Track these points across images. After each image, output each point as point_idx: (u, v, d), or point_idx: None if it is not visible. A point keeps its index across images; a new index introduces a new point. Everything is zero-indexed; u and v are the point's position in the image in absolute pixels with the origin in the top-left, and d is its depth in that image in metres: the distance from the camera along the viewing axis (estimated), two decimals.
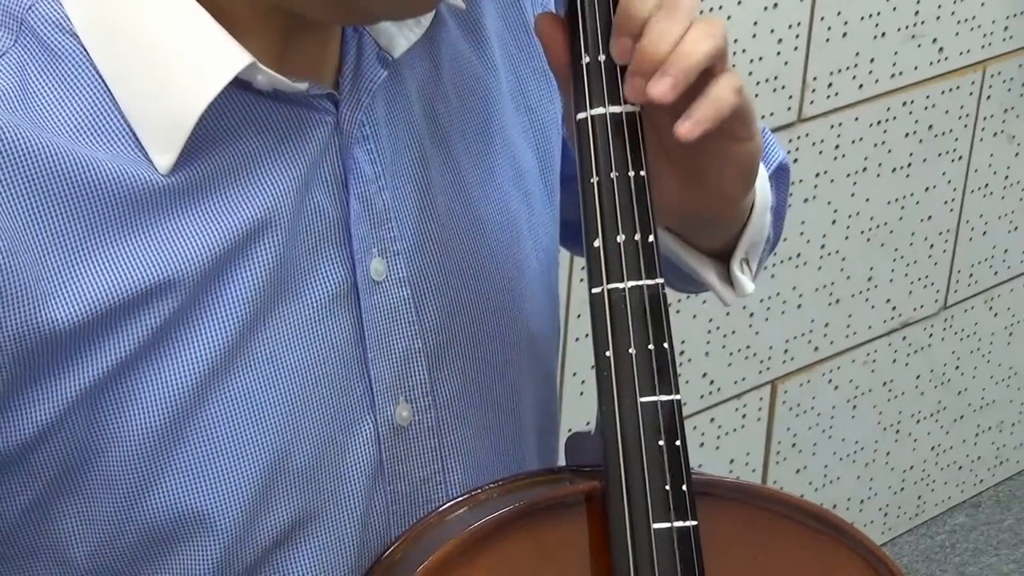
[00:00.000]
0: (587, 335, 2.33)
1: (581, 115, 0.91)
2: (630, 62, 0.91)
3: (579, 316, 2.21)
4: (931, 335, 2.79)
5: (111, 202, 0.87)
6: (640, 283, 0.91)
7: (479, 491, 0.99)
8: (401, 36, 0.97)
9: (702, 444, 2.49)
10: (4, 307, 0.84)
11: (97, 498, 0.90)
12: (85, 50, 0.87)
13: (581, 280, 2.17)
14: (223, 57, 0.87)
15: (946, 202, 2.69)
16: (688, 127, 0.90)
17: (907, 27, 2.48)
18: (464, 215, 1.02)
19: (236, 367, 0.91)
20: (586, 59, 0.91)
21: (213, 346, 0.90)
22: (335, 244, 0.95)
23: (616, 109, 0.91)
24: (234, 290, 0.91)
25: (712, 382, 2.47)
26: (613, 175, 0.91)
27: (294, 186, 0.92)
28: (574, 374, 2.24)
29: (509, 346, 1.05)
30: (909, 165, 2.60)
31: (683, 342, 2.36)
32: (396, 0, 0.89)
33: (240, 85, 0.89)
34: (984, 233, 2.78)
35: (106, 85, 0.87)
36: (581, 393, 2.26)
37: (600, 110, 0.91)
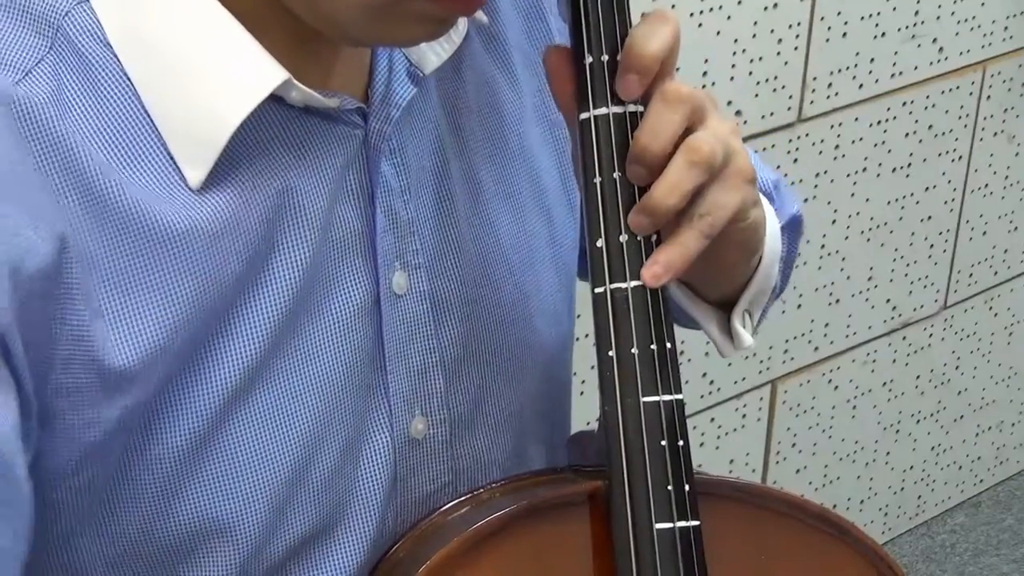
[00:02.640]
0: (587, 335, 2.33)
1: (584, 115, 0.91)
2: (632, 99, 0.91)
3: (579, 316, 2.21)
4: (931, 335, 2.79)
5: (146, 229, 0.85)
6: (642, 283, 0.91)
7: (481, 490, 0.99)
8: (432, 53, 0.96)
9: (702, 444, 2.49)
10: (66, 304, 0.83)
11: (119, 515, 0.89)
12: (118, 60, 0.86)
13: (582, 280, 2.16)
14: (259, 73, 0.86)
15: (946, 202, 2.69)
16: (656, 272, 0.91)
17: (907, 27, 2.48)
18: (483, 230, 1.02)
19: (262, 382, 0.91)
20: (589, 59, 0.91)
21: (241, 362, 0.90)
22: (360, 257, 0.95)
23: (619, 109, 0.91)
24: (262, 305, 0.90)
25: (712, 382, 2.47)
26: (616, 175, 0.91)
27: (323, 199, 0.92)
28: (574, 374, 2.23)
29: (523, 361, 1.05)
30: (909, 165, 2.60)
31: (683, 342, 2.35)
32: (369, 24, 0.86)
33: (271, 98, 0.88)
34: (984, 233, 2.78)
35: (139, 96, 0.86)
36: (581, 393, 2.26)
37: (603, 110, 0.91)
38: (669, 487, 0.90)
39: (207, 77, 0.86)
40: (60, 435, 0.85)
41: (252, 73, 0.87)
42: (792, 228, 1.16)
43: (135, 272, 0.85)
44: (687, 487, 0.91)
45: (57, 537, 0.89)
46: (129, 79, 0.86)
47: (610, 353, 0.91)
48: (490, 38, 1.04)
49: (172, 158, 0.87)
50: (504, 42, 1.05)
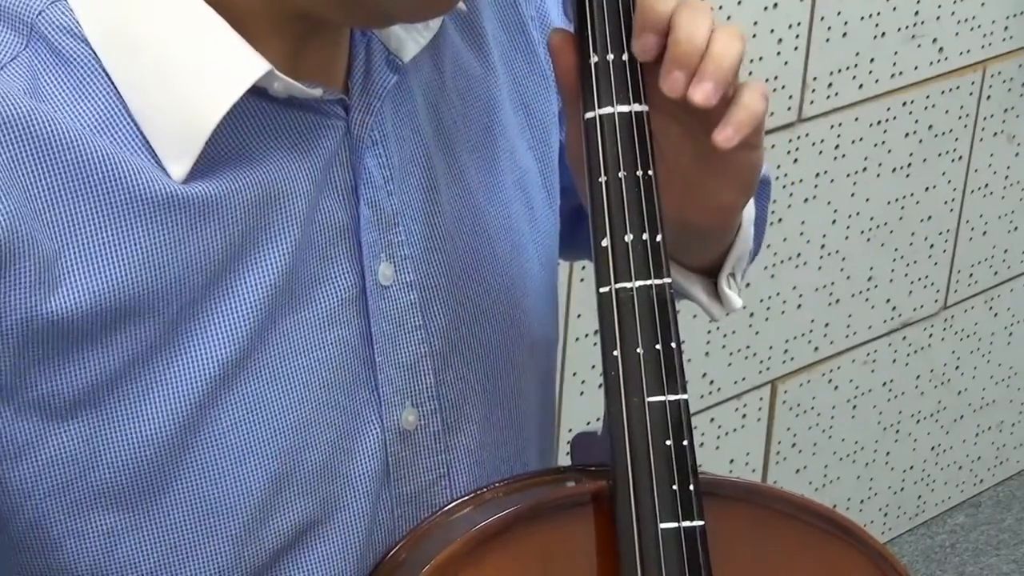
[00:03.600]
0: (587, 335, 2.33)
1: (589, 114, 0.91)
2: (653, 59, 0.91)
3: (579, 316, 2.21)
4: (931, 335, 2.79)
5: (126, 197, 0.86)
6: (648, 283, 0.91)
7: (484, 490, 0.99)
8: (410, 40, 0.96)
9: (702, 444, 2.48)
10: (13, 288, 0.83)
11: (96, 509, 0.89)
12: (96, 56, 0.86)
13: (582, 280, 2.16)
14: (240, 65, 0.87)
15: (946, 202, 2.69)
16: (728, 134, 0.91)
17: (907, 27, 2.48)
18: (469, 219, 1.02)
19: (246, 373, 0.91)
20: (594, 58, 0.91)
21: (223, 351, 0.90)
22: (345, 249, 0.95)
23: (624, 108, 0.91)
24: (244, 296, 0.90)
25: (712, 382, 2.47)
26: (621, 174, 0.91)
27: (307, 192, 0.92)
28: (574, 374, 2.24)
29: (512, 348, 1.05)
30: (909, 165, 2.60)
31: (683, 342, 2.35)
32: (411, 2, 0.88)
33: (254, 92, 0.88)
34: (984, 233, 2.78)
35: (117, 91, 0.86)
36: (581, 393, 2.26)
37: (608, 109, 0.91)
38: (674, 487, 0.90)
39: (187, 72, 0.86)
40: (18, 407, 0.85)
41: (233, 65, 0.87)
42: (762, 190, 1.17)
43: (105, 229, 0.86)
44: (692, 487, 0.91)
45: (30, 533, 0.89)
46: (108, 76, 0.86)
47: (615, 353, 0.91)
48: (467, 27, 1.04)
49: (153, 153, 0.87)
50: (481, 31, 1.05)
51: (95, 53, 0.86)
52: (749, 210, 1.08)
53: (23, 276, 0.83)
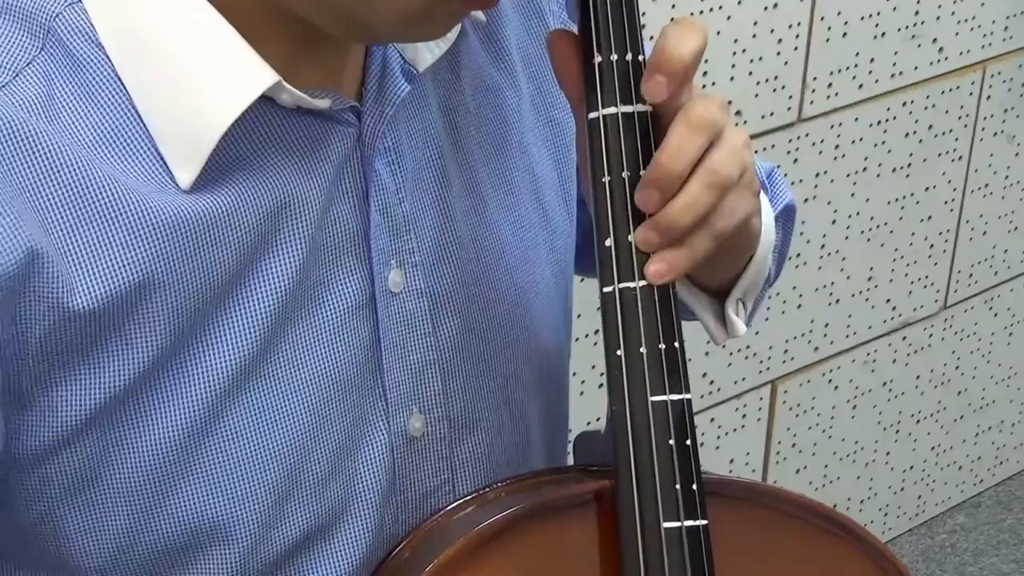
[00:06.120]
0: (587, 335, 2.33)
1: (593, 114, 0.91)
2: (658, 102, 0.90)
3: (579, 316, 2.21)
4: (931, 335, 2.79)
5: (134, 221, 0.86)
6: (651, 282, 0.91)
7: (487, 490, 0.99)
8: (427, 51, 0.96)
9: (702, 444, 2.48)
10: (35, 301, 0.83)
11: (109, 510, 0.90)
12: (110, 61, 0.86)
13: (581, 280, 2.16)
14: (249, 75, 0.87)
15: (946, 202, 2.69)
16: (658, 270, 0.91)
17: (907, 27, 2.48)
18: (481, 228, 1.02)
19: (255, 378, 0.91)
20: (598, 59, 0.91)
21: (233, 357, 0.90)
22: (355, 255, 0.95)
23: (628, 108, 0.91)
24: (255, 302, 0.90)
25: (712, 382, 2.47)
26: (624, 174, 0.91)
27: (318, 198, 0.92)
28: (574, 374, 2.24)
29: (521, 359, 1.05)
30: (909, 165, 2.60)
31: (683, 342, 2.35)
32: (401, 27, 0.88)
33: (263, 100, 0.88)
34: (984, 233, 2.79)
35: (130, 97, 0.86)
36: (581, 393, 2.26)
37: (612, 109, 0.91)
38: (677, 486, 0.90)
39: (197, 79, 0.86)
40: (40, 414, 0.86)
41: (241, 76, 0.87)
42: (786, 218, 1.16)
43: (119, 254, 0.86)
44: (695, 486, 0.91)
45: (42, 523, 0.89)
46: (121, 80, 0.87)
47: (618, 352, 0.91)
48: (489, 37, 1.04)
49: (163, 159, 0.87)
50: (504, 41, 1.05)
51: (109, 57, 0.86)
52: (769, 238, 1.07)
53: (43, 290, 0.84)
